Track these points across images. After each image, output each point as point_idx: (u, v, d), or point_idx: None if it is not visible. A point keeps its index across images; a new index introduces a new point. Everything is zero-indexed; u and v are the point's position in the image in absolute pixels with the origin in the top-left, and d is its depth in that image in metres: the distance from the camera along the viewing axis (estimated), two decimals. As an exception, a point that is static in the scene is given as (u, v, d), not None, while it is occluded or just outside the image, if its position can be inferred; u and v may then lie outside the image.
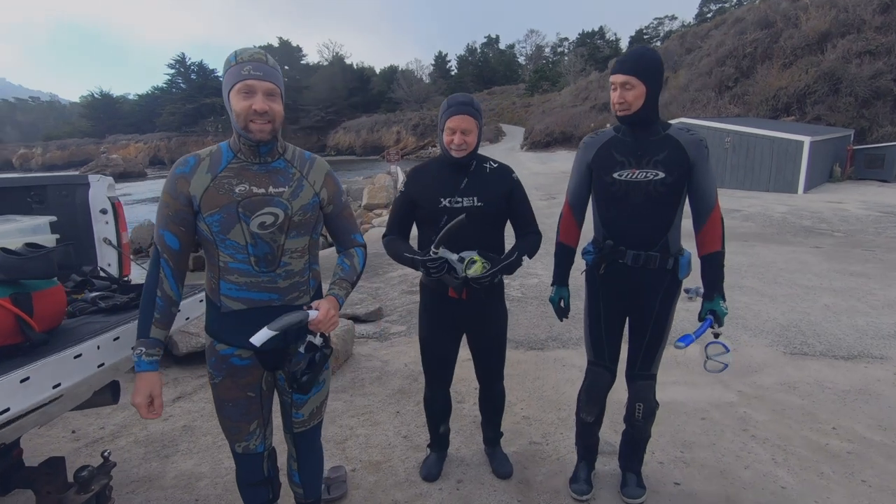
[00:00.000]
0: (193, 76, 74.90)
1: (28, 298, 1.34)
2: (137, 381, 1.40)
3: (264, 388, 1.61)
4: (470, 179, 1.95)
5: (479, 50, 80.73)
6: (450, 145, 1.88)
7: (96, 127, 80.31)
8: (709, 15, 49.69)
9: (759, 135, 13.46)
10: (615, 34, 71.31)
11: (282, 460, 1.91)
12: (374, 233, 9.30)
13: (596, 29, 71.02)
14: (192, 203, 1.42)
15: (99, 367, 1.46)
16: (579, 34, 69.92)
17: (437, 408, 2.31)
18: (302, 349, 1.47)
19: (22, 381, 1.21)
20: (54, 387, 1.30)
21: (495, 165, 2.02)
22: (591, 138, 1.95)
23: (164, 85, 76.92)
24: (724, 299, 1.83)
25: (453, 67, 77.66)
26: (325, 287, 1.63)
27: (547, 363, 3.69)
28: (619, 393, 2.19)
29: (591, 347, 2.06)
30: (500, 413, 2.37)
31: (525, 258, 1.90)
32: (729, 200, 11.32)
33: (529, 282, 5.80)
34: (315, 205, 1.55)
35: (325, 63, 76.62)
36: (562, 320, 2.09)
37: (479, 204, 1.92)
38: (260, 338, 1.36)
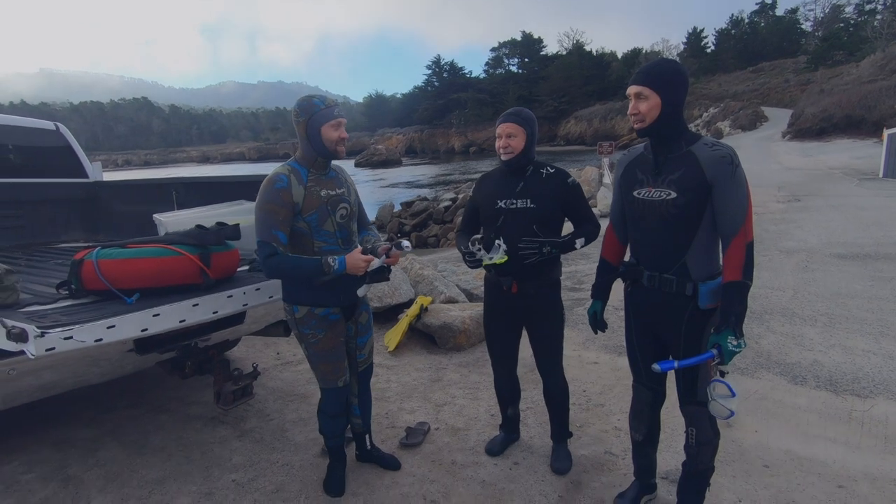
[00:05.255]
0: (445, 75, 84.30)
1: (208, 256, 2.17)
2: (349, 261, 1.90)
3: (348, 334, 2.26)
4: (526, 183, 2.16)
5: (746, 20, 68.82)
6: (498, 150, 2.13)
7: (371, 122, 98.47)
8: None
9: None
10: (969, -25, 51.38)
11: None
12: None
13: (934, -28, 52.53)
14: (295, 208, 1.98)
15: (243, 305, 2.23)
16: (903, -17, 52.95)
17: (504, 391, 2.56)
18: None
19: (193, 305, 2.02)
20: (213, 312, 2.10)
21: (552, 171, 2.20)
22: (625, 154, 1.96)
23: (422, 84, 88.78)
24: (736, 335, 1.61)
25: (710, 44, 68.25)
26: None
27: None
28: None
29: (630, 365, 2.04)
30: (564, 409, 2.47)
31: (581, 242, 2.13)
32: None
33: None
34: (356, 200, 2.23)
35: (564, 52, 76.53)
36: (596, 333, 2.13)
37: (532, 206, 2.13)
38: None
